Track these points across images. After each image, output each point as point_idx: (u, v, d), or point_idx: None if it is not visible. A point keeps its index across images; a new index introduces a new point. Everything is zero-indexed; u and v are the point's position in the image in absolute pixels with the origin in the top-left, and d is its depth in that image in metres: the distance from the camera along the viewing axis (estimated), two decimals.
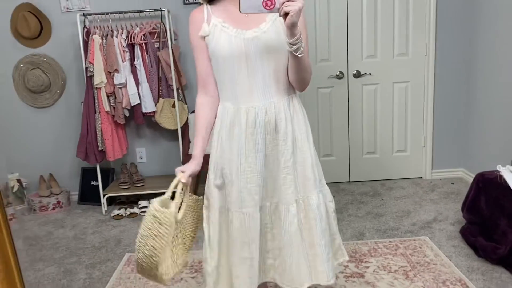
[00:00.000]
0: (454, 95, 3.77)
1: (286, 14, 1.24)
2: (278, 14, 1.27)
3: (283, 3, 1.23)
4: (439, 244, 2.78)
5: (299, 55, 1.37)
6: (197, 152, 1.58)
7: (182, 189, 1.51)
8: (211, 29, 1.51)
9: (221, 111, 1.59)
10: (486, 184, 2.61)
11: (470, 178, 3.72)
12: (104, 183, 3.74)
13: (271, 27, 1.48)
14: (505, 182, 2.45)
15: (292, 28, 1.28)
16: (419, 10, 3.64)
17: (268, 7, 1.25)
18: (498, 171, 2.54)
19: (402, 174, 3.98)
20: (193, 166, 1.55)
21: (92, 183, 3.84)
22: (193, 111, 3.65)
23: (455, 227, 2.98)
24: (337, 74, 3.75)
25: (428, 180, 3.91)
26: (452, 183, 3.79)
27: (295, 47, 1.34)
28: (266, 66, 1.50)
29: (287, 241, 1.55)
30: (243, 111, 1.53)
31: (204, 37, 1.52)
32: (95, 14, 3.44)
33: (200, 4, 1.59)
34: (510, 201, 2.40)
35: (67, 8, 3.63)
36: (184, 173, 1.52)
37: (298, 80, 1.51)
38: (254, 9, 1.26)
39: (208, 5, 1.56)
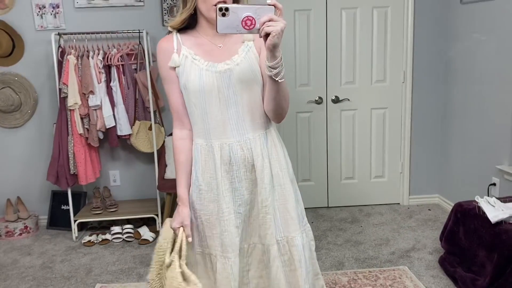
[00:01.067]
0: (431, 121, 3.82)
1: (266, 35, 1.15)
2: (257, 35, 1.18)
3: (264, 23, 1.14)
4: (418, 274, 2.76)
5: (279, 80, 1.27)
6: (183, 193, 1.50)
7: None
8: (181, 60, 1.43)
9: (194, 149, 1.52)
10: (465, 214, 2.61)
11: (446, 204, 3.75)
12: (76, 207, 3.59)
13: (244, 58, 1.41)
14: (483, 213, 2.46)
15: (273, 50, 1.19)
16: (396, 38, 3.70)
17: (247, 27, 1.15)
18: (477, 202, 2.54)
19: (380, 200, 3.98)
20: (187, 213, 1.48)
21: (62, 207, 3.69)
22: (170, 134, 3.59)
23: (434, 256, 2.97)
24: (316, 99, 3.75)
25: (406, 206, 3.91)
26: (429, 210, 3.81)
27: (275, 71, 1.24)
28: (240, 100, 1.42)
29: (272, 284, 1.48)
30: (216, 148, 1.45)
31: (175, 68, 1.45)
32: (71, 33, 3.35)
33: (169, 32, 1.51)
34: (489, 233, 2.40)
35: (42, 26, 3.52)
36: (186, 227, 1.46)
37: (275, 109, 1.41)
38: (232, 29, 1.15)
39: (178, 34, 1.47)
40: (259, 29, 1.14)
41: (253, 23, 1.14)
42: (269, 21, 1.13)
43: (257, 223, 1.49)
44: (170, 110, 1.55)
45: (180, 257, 1.44)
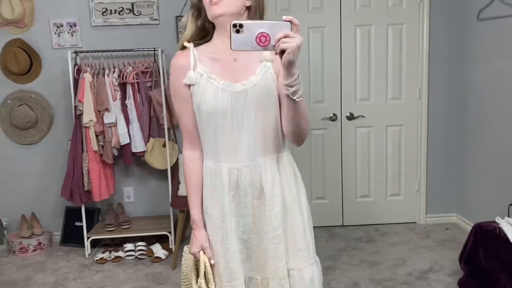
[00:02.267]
0: (448, 138, 3.75)
1: (282, 52, 1.09)
2: (273, 52, 1.12)
3: (279, 39, 1.08)
4: None
5: (296, 99, 1.20)
6: (197, 216, 1.46)
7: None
8: (197, 79, 1.36)
9: (203, 171, 1.46)
10: (485, 236, 2.54)
11: (464, 224, 3.66)
12: (89, 224, 3.59)
13: (261, 80, 1.35)
14: (505, 235, 2.38)
15: (289, 68, 1.12)
16: (412, 55, 3.66)
17: (262, 44, 1.10)
18: (497, 223, 2.47)
19: (396, 219, 3.90)
20: (204, 235, 1.44)
21: (76, 223, 3.69)
22: None
23: (453, 278, 2.88)
24: (331, 116, 3.72)
25: (422, 225, 3.83)
26: (447, 229, 3.72)
27: (292, 89, 1.17)
28: (253, 123, 1.36)
29: None
30: (224, 172, 1.39)
31: (189, 86, 1.37)
32: (87, 51, 3.39)
33: (182, 47, 1.43)
34: (511, 255, 2.32)
35: (59, 44, 3.58)
36: (206, 249, 1.43)
37: (294, 131, 1.34)
38: (247, 46, 1.10)
39: (194, 49, 1.39)
40: (274, 46, 1.10)
41: (268, 39, 1.09)
42: (285, 37, 1.07)
43: (268, 254, 1.41)
44: (181, 130, 1.49)
45: (207, 281, 1.42)
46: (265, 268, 1.42)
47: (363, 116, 3.73)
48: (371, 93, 3.73)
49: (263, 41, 1.09)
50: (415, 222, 3.89)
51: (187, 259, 1.51)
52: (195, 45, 1.40)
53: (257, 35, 1.09)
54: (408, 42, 3.65)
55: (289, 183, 1.44)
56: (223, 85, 1.34)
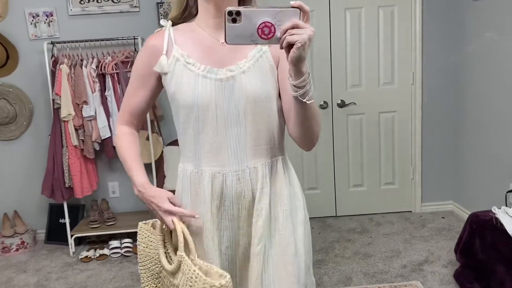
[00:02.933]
0: (443, 124, 3.62)
1: (289, 46, 0.89)
2: (278, 46, 0.92)
3: (286, 30, 0.88)
4: None
5: (307, 102, 0.99)
6: (145, 179, 1.23)
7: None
8: (171, 65, 1.15)
9: (181, 174, 1.25)
10: (481, 226, 2.42)
11: (461, 212, 3.55)
12: (73, 221, 3.47)
13: (254, 66, 1.14)
14: (501, 225, 2.27)
15: (297, 65, 0.92)
16: (404, 38, 3.52)
17: (265, 36, 0.90)
18: (494, 213, 2.35)
19: (390, 208, 3.78)
20: (162, 190, 1.21)
21: (60, 220, 3.57)
22: (169, 143, 3.46)
23: (449, 269, 2.78)
24: (321, 104, 3.58)
25: (418, 214, 3.71)
26: (443, 217, 3.61)
27: (301, 90, 0.97)
28: (243, 119, 1.14)
29: None
30: (207, 178, 1.18)
31: (159, 74, 1.19)
32: (64, 42, 3.24)
33: (160, 27, 1.23)
34: (508, 247, 2.21)
35: (35, 35, 3.42)
36: (176, 202, 1.19)
37: (305, 136, 1.12)
38: (245, 39, 0.90)
39: (171, 29, 1.19)
40: (279, 38, 0.90)
41: (272, 31, 0.90)
42: (293, 28, 0.88)
43: (251, 273, 1.21)
44: (122, 104, 1.30)
45: (188, 252, 1.15)
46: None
47: (355, 103, 3.60)
48: (362, 79, 3.58)
49: (266, 33, 0.90)
50: (410, 211, 3.78)
51: (146, 236, 1.27)
52: (174, 24, 1.21)
53: (259, 25, 0.89)
54: (400, 25, 3.50)
55: (282, 194, 1.22)
56: (204, 71, 1.13)
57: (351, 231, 3.46)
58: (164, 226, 1.23)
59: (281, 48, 0.91)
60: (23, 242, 3.46)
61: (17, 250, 3.44)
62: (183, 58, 1.15)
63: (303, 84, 0.97)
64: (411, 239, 3.25)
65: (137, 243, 1.31)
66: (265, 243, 1.19)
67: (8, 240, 3.42)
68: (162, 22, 1.21)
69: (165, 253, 1.25)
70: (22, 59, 3.47)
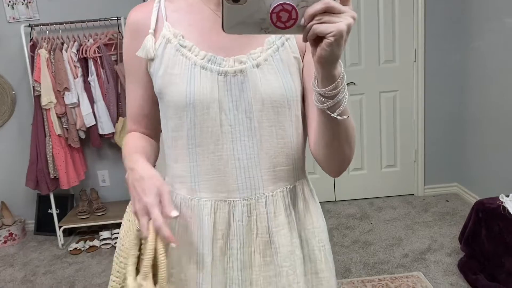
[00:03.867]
0: (447, 104, 3.43)
1: (317, 39, 0.62)
2: (300, 36, 0.65)
3: (314, 15, 0.60)
4: (434, 281, 2.44)
5: (338, 118, 0.71)
6: (149, 167, 0.82)
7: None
8: (158, 49, 0.85)
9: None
10: (487, 214, 2.27)
11: (466, 194, 3.40)
12: (62, 212, 3.35)
13: (273, 58, 0.84)
14: (509, 214, 2.11)
15: (327, 67, 0.65)
16: (406, 13, 3.29)
17: (281, 24, 0.62)
18: (501, 201, 2.19)
19: (392, 192, 3.63)
20: (158, 176, 0.80)
21: (49, 211, 3.45)
22: None
23: (452, 258, 2.64)
24: None
25: (421, 198, 3.56)
26: (447, 201, 3.46)
27: (330, 102, 0.69)
28: (256, 128, 0.84)
29: None
30: (207, 208, 0.87)
31: (146, 60, 0.88)
32: (42, 24, 3.05)
33: None
34: None
35: (14, 18, 3.23)
36: (166, 200, 0.78)
37: (331, 158, 0.83)
38: (251, 26, 0.62)
39: (161, 0, 0.89)
40: (303, 27, 0.62)
41: (293, 16, 0.61)
42: (324, 12, 0.60)
43: None
44: (126, 112, 1.00)
45: (155, 281, 0.79)
46: None
47: (354, 83, 3.41)
48: (361, 57, 3.38)
49: (283, 19, 0.61)
50: (413, 194, 3.63)
51: (129, 225, 0.92)
52: None
53: (274, 8, 0.61)
54: None
55: (316, 227, 0.94)
56: (203, 60, 0.83)
57: (351, 217, 3.32)
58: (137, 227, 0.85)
59: (305, 41, 0.64)
60: (11, 234, 3.35)
61: (5, 242, 3.33)
62: (176, 39, 0.84)
63: (333, 93, 0.68)
64: (413, 225, 3.11)
65: (121, 228, 0.95)
66: None
67: None
68: None
69: (135, 261, 0.84)
70: (1, 44, 3.28)
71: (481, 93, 3.11)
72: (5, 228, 3.34)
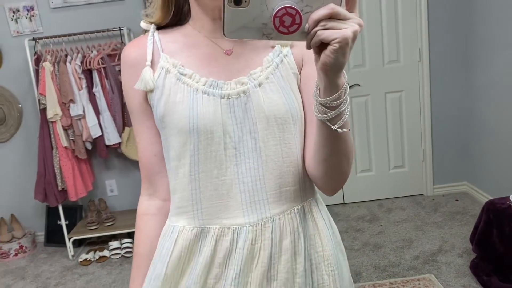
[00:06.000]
0: (454, 102, 3.40)
1: (322, 46, 0.61)
2: (303, 43, 0.63)
3: (319, 21, 0.59)
4: (447, 283, 2.42)
5: (339, 131, 0.70)
6: None
7: None
8: (158, 80, 0.84)
9: (164, 234, 0.91)
10: (498, 215, 2.24)
11: (476, 193, 3.36)
12: (71, 223, 3.36)
13: (273, 76, 0.83)
14: None
15: (331, 75, 0.63)
16: (409, 11, 3.27)
17: (284, 29, 0.60)
18: (511, 202, 2.16)
19: (401, 192, 3.61)
20: None
21: (58, 222, 3.46)
22: None
23: (464, 259, 2.61)
24: None
25: (430, 198, 3.53)
26: (457, 200, 3.42)
27: (332, 113, 0.67)
28: (262, 149, 0.82)
29: None
30: (210, 235, 0.85)
31: (146, 93, 0.87)
32: (46, 38, 3.06)
33: (144, 31, 0.92)
34: None
35: (18, 32, 3.25)
36: None
37: (327, 174, 0.81)
38: (253, 31, 0.60)
39: (156, 33, 0.89)
40: (307, 33, 0.60)
41: (297, 21, 0.59)
42: (330, 18, 0.59)
43: None
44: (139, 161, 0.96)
45: None
46: None
47: (359, 85, 3.39)
48: (365, 58, 3.36)
49: (287, 24, 0.59)
50: (422, 194, 3.60)
51: None
52: (161, 30, 0.90)
53: (277, 12, 0.59)
54: None
55: (325, 250, 0.89)
56: (205, 86, 0.82)
57: (360, 220, 3.30)
58: None
59: (308, 48, 0.61)
60: (21, 247, 3.37)
61: (16, 255, 3.35)
62: (176, 68, 0.84)
63: (336, 104, 0.66)
64: (424, 226, 3.08)
65: None
66: None
67: (6, 245, 3.33)
68: (142, 24, 0.90)
69: None
70: (6, 58, 3.31)
71: (489, 90, 3.08)
72: (15, 241, 3.36)
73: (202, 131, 0.81)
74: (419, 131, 3.50)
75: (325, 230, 0.91)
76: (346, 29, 0.59)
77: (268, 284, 0.85)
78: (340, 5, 0.60)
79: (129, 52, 0.88)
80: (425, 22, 3.25)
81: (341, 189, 3.58)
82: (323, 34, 0.59)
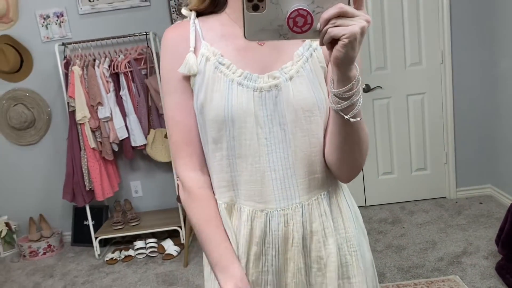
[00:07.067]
0: (477, 104, 3.38)
1: (333, 42, 0.67)
2: (318, 42, 0.69)
3: (329, 20, 0.65)
4: (472, 285, 2.40)
5: (351, 120, 0.76)
6: (241, 270, 0.91)
7: None
8: (199, 65, 0.89)
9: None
10: None
11: (500, 196, 3.33)
12: (97, 223, 3.45)
13: (303, 69, 0.88)
14: None
15: (343, 68, 0.69)
16: (431, 14, 3.28)
17: (298, 29, 0.67)
18: None
19: (423, 195, 3.59)
20: (240, 272, 0.90)
21: (85, 222, 3.55)
22: None
23: (489, 261, 2.59)
24: None
25: (453, 200, 3.51)
26: (481, 203, 3.39)
27: (345, 103, 0.73)
28: (291, 139, 0.88)
29: None
30: (244, 216, 0.91)
31: (189, 76, 0.91)
32: (75, 42, 3.17)
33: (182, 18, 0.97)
34: None
35: (48, 37, 3.37)
36: None
37: (341, 161, 0.88)
38: (271, 33, 0.67)
39: (196, 20, 0.93)
40: (319, 31, 0.67)
41: (309, 21, 0.66)
42: (339, 16, 0.65)
43: None
44: (172, 139, 0.95)
45: None
46: None
47: (381, 87, 3.40)
48: (387, 60, 3.38)
49: (300, 24, 0.66)
50: (445, 197, 3.58)
51: None
52: (199, 15, 0.95)
53: (290, 14, 0.66)
54: (425, 1, 3.26)
55: (349, 232, 0.96)
56: (241, 78, 0.87)
57: (383, 222, 3.30)
58: None
59: (321, 44, 0.68)
60: (49, 246, 3.46)
61: (44, 253, 3.44)
62: (215, 57, 0.89)
63: (348, 95, 0.73)
64: (447, 228, 3.07)
65: None
66: None
67: (35, 244, 3.43)
68: (183, 11, 0.95)
69: None
70: (36, 63, 3.42)
71: None
72: (44, 240, 3.46)
73: (236, 120, 0.87)
74: (442, 134, 3.49)
75: (347, 213, 0.97)
76: (354, 26, 0.65)
77: (303, 260, 0.93)
78: (349, 4, 0.66)
79: (172, 34, 0.93)
80: (447, 24, 3.25)
81: (363, 192, 3.59)
82: (333, 31, 0.65)
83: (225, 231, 0.93)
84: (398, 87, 3.41)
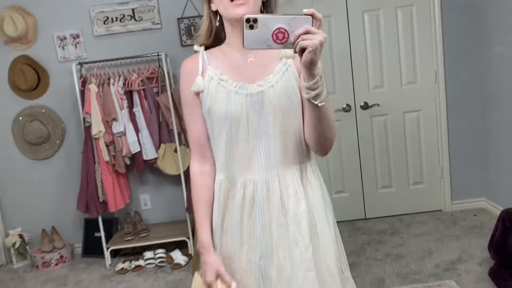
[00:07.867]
0: (470, 120, 3.58)
1: (302, 50, 0.97)
2: (292, 50, 1.00)
3: (299, 36, 0.95)
4: None
5: (319, 104, 1.07)
6: (206, 238, 1.30)
7: None
8: (206, 84, 1.25)
9: (217, 185, 1.33)
10: None
11: (493, 208, 3.49)
12: (108, 234, 3.58)
13: (281, 79, 1.22)
14: None
15: (310, 68, 1.00)
16: (424, 35, 3.50)
17: (279, 41, 0.97)
18: None
19: (420, 208, 3.75)
20: (216, 260, 1.28)
21: (96, 234, 3.69)
22: None
23: (483, 267, 2.74)
24: (344, 107, 3.60)
25: (449, 213, 3.67)
26: (475, 215, 3.56)
27: (313, 92, 1.04)
28: (271, 130, 1.22)
29: None
30: (238, 186, 1.26)
31: (198, 93, 1.27)
32: (91, 62, 3.37)
33: (194, 52, 1.33)
34: None
35: (64, 57, 3.57)
36: (224, 275, 1.26)
37: (317, 140, 1.20)
38: (261, 44, 0.98)
39: (204, 52, 1.30)
40: (293, 43, 0.98)
41: (286, 36, 0.97)
42: (306, 33, 0.95)
43: (295, 284, 1.23)
44: (190, 141, 1.35)
45: None
46: None
47: (378, 105, 3.60)
48: (384, 79, 3.59)
49: (280, 38, 0.97)
50: (440, 210, 3.74)
51: (198, 286, 1.34)
52: (208, 49, 1.31)
53: (274, 31, 0.97)
54: (419, 23, 3.49)
55: (315, 197, 1.29)
56: (236, 87, 1.22)
57: (382, 233, 3.45)
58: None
59: (295, 52, 0.98)
60: (62, 257, 3.59)
61: (56, 264, 3.57)
62: (217, 76, 1.24)
63: (315, 87, 1.04)
64: (443, 238, 3.22)
65: None
66: (312, 249, 1.24)
67: (48, 255, 3.56)
68: (195, 47, 1.32)
69: None
70: (52, 81, 3.62)
71: (504, 108, 3.25)
72: (56, 251, 3.59)
73: (234, 119, 1.22)
74: (437, 149, 3.67)
75: (315, 182, 1.31)
76: (315, 39, 0.95)
77: (283, 217, 1.25)
78: (312, 26, 0.97)
79: (188, 64, 1.31)
80: (440, 44, 3.47)
81: (363, 205, 3.75)
82: (303, 43, 0.96)
83: (211, 214, 1.31)
84: (394, 104, 3.60)
